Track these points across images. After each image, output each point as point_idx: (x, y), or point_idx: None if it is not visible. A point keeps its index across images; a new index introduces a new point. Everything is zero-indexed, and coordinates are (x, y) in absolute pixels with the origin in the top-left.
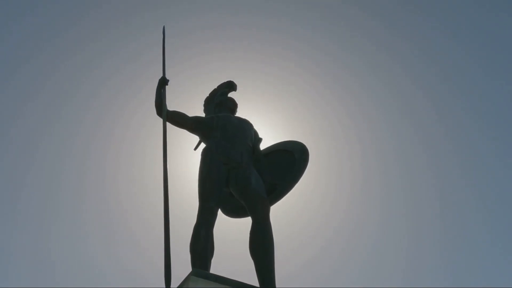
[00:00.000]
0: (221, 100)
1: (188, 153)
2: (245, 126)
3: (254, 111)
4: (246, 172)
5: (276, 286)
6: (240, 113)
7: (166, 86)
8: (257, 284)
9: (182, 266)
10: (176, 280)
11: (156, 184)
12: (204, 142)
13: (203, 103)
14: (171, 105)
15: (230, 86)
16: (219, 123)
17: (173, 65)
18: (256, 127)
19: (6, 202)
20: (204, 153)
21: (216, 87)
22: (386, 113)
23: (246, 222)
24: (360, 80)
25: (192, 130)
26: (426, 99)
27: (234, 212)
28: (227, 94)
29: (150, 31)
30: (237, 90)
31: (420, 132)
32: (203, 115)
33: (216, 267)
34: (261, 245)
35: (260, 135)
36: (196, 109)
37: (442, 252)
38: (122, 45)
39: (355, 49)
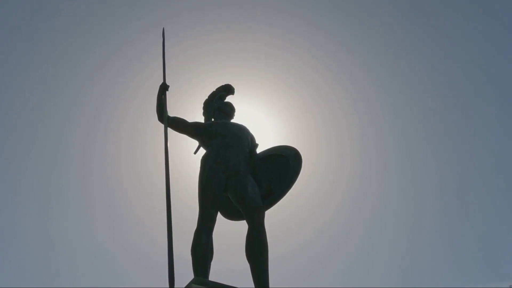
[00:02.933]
0: (219, 105)
1: (189, 152)
2: (242, 134)
3: (257, 93)
4: (243, 180)
5: (270, 286)
6: (244, 97)
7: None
8: (252, 285)
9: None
10: (179, 275)
11: (157, 166)
12: (204, 148)
13: (202, 105)
14: (174, 101)
15: (227, 89)
16: (218, 131)
17: (173, 61)
18: (258, 112)
19: (8, 185)
20: (204, 161)
21: (214, 89)
22: (386, 93)
23: (243, 227)
24: (361, 60)
25: (192, 135)
26: (426, 78)
27: (232, 215)
28: (225, 98)
29: (151, 12)
30: (234, 94)
31: (420, 111)
32: (202, 117)
33: (215, 268)
34: (257, 250)
35: (265, 117)
36: (196, 105)
37: (442, 227)
38: (123, 25)
39: (355, 28)
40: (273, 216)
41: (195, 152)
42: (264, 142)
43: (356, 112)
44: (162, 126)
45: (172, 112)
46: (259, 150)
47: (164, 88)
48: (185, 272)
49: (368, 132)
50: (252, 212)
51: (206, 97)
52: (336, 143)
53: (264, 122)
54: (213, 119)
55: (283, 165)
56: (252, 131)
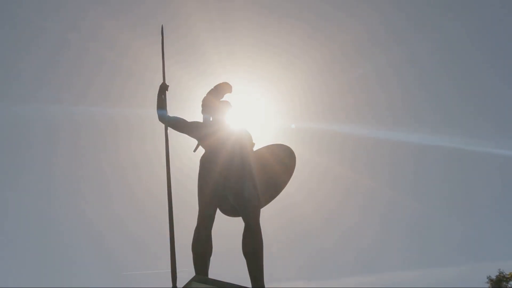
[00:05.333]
0: (217, 104)
1: (189, 150)
2: (240, 133)
3: (257, 89)
4: (240, 180)
5: (266, 282)
6: (244, 93)
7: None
8: (249, 282)
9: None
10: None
11: (159, 165)
12: (202, 147)
13: (201, 103)
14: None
15: (225, 88)
16: (215, 130)
17: (173, 59)
18: (258, 107)
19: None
20: (202, 161)
21: (213, 87)
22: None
23: (239, 224)
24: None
25: (191, 135)
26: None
27: (230, 212)
28: (222, 96)
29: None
30: (232, 92)
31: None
32: (201, 116)
33: (214, 264)
34: (252, 248)
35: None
36: (196, 103)
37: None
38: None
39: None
40: (270, 213)
41: (194, 150)
42: (263, 137)
43: (359, 110)
44: (162, 125)
45: (172, 110)
46: (256, 148)
47: (164, 88)
48: (187, 269)
49: (369, 131)
50: (248, 211)
51: (205, 95)
52: (337, 142)
53: (265, 117)
54: (211, 118)
55: (279, 163)
56: (250, 128)
